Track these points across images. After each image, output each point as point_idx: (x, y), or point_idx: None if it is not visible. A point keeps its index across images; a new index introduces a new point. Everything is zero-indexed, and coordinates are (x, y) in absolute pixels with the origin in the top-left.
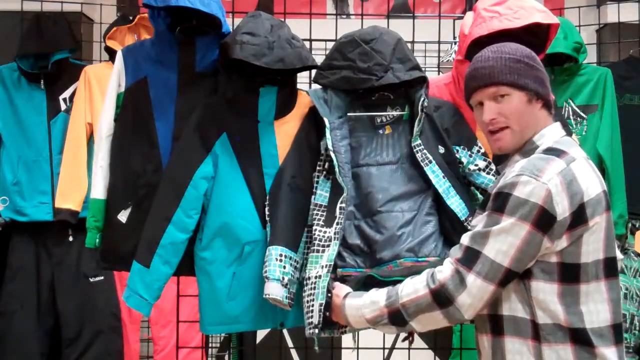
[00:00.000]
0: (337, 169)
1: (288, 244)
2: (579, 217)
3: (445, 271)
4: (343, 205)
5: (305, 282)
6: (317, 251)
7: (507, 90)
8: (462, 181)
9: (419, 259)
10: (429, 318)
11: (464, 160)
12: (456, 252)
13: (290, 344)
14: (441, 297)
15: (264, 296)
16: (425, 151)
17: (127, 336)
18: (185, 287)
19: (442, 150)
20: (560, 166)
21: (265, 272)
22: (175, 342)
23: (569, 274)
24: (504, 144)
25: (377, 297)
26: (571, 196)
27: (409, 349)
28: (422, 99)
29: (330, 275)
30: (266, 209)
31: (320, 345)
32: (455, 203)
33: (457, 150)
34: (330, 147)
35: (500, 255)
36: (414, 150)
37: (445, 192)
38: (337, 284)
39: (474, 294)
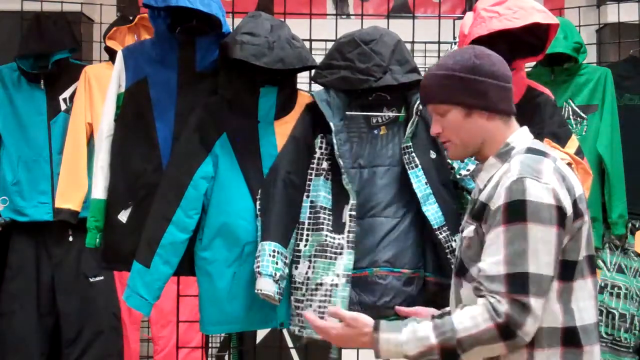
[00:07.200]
0: (344, 176)
1: (281, 241)
2: (576, 211)
3: (503, 304)
4: (353, 213)
5: (316, 287)
6: (329, 257)
7: (444, 107)
8: (450, 188)
9: (394, 270)
10: (487, 350)
11: (456, 165)
12: (496, 285)
13: (290, 344)
14: (509, 330)
15: (255, 291)
16: (413, 154)
17: (127, 336)
18: (185, 287)
19: (433, 155)
20: (552, 165)
21: (258, 267)
22: (175, 342)
23: (567, 272)
24: (451, 156)
25: (424, 333)
26: (568, 192)
27: None
28: (417, 102)
29: (349, 285)
30: (257, 202)
31: (320, 345)
32: (431, 210)
33: None
34: (336, 151)
35: (544, 267)
36: (402, 152)
37: (423, 198)
38: (356, 313)
39: (536, 315)
